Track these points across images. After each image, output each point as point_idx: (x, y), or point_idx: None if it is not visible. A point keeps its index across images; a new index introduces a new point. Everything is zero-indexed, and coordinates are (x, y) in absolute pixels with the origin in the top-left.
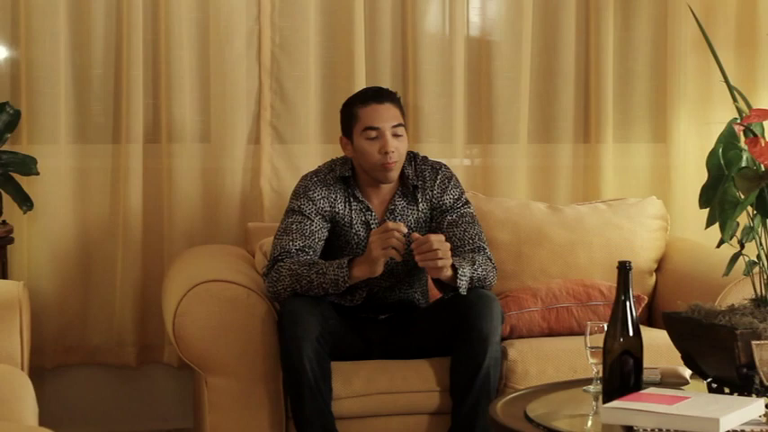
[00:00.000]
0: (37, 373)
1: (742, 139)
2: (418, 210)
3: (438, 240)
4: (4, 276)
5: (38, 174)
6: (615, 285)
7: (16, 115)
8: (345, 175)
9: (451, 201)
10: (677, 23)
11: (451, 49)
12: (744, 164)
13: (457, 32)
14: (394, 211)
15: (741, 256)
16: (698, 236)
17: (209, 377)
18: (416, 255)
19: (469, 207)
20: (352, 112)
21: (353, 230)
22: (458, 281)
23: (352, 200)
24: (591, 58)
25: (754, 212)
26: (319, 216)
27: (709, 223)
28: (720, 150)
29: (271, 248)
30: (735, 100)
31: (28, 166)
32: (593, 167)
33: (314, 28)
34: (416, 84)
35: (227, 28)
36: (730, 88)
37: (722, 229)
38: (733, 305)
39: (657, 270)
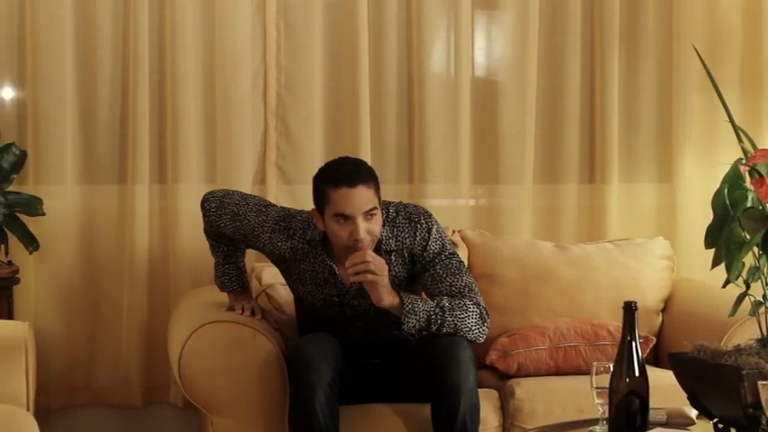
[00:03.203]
0: (43, 414)
1: (747, 179)
2: (393, 270)
3: (373, 256)
4: (10, 317)
5: (44, 214)
6: None
7: (22, 156)
8: (316, 239)
9: (432, 255)
10: (682, 63)
11: (457, 90)
12: (749, 204)
13: (462, 73)
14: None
15: (747, 297)
16: (704, 276)
17: (214, 417)
18: (349, 267)
19: (456, 257)
20: (324, 191)
21: (308, 288)
22: (403, 317)
23: (319, 261)
24: (596, 99)
25: (760, 253)
26: (266, 251)
27: (715, 263)
28: (726, 190)
29: (215, 198)
30: (740, 140)
31: (34, 206)
32: (598, 208)
33: (319, 68)
34: (421, 124)
35: (233, 68)
36: (735, 128)
37: (728, 269)
38: (739, 345)
39: (664, 310)
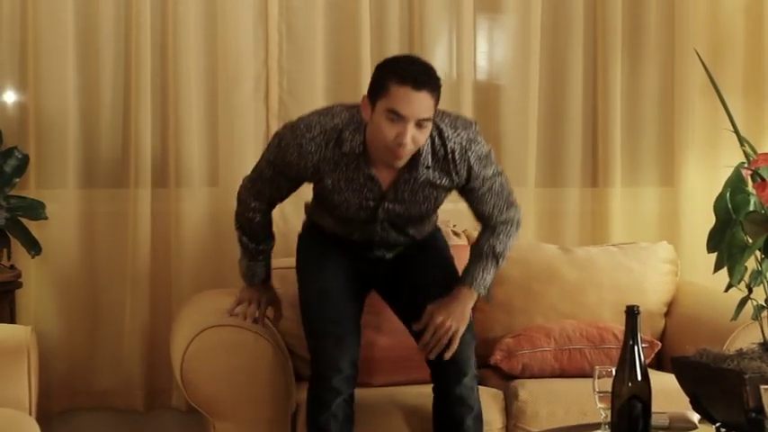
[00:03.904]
0: (45, 418)
1: (750, 183)
2: (431, 189)
3: (443, 318)
4: (13, 321)
5: (46, 218)
6: None
7: (24, 160)
8: (357, 151)
9: (478, 180)
10: (684, 68)
11: (459, 93)
12: (752, 208)
13: (464, 76)
14: (399, 184)
15: (749, 301)
16: (706, 280)
17: (216, 422)
18: (427, 346)
19: (500, 177)
20: (385, 83)
21: (343, 196)
22: (480, 293)
23: (354, 168)
24: (598, 103)
25: (762, 257)
26: (299, 176)
27: (718, 267)
28: (728, 194)
29: (246, 181)
30: (742, 144)
31: (36, 210)
32: (600, 212)
33: (321, 72)
34: None
35: (235, 72)
36: (737, 133)
37: (730, 273)
38: (741, 349)
39: (667, 314)
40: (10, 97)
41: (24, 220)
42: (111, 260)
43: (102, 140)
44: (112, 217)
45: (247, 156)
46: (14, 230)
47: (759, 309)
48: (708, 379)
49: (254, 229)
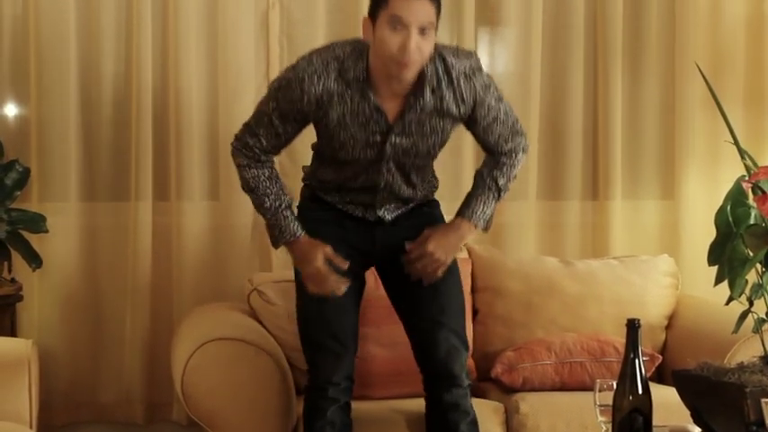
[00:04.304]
0: (45, 431)
1: (750, 196)
2: (438, 119)
3: (435, 247)
4: (13, 334)
5: (47, 231)
6: None
7: (25, 173)
8: (361, 77)
9: (483, 108)
10: (685, 80)
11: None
12: (752, 221)
13: None
14: (406, 113)
15: (750, 314)
16: (707, 293)
17: None
18: (412, 267)
19: (504, 104)
20: None
21: (349, 132)
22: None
23: (359, 99)
24: (599, 115)
25: (763, 269)
26: (302, 115)
27: (718, 280)
28: (729, 207)
29: (250, 120)
30: (743, 157)
31: (37, 223)
32: (601, 224)
33: None
34: None
35: (236, 86)
36: (738, 146)
37: (731, 286)
38: (742, 363)
39: (667, 327)
40: (11, 110)
41: (25, 233)
42: (112, 273)
43: (103, 154)
44: (113, 230)
45: None
46: (15, 243)
47: (760, 322)
48: (709, 392)
49: (271, 183)
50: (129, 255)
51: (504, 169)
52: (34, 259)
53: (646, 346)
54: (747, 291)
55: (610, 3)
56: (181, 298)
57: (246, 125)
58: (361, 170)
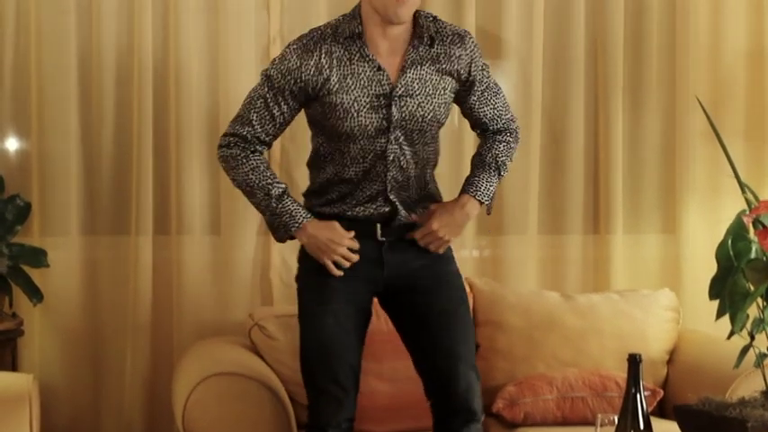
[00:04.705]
0: None
1: (751, 230)
2: (439, 76)
3: (439, 225)
4: (14, 369)
5: (48, 266)
6: None
7: (26, 207)
8: (356, 31)
9: (479, 72)
10: (686, 114)
11: (460, 140)
12: (753, 255)
13: (466, 122)
14: (407, 70)
15: (752, 348)
16: (708, 327)
17: None
18: (420, 241)
19: (491, 75)
20: None
21: (352, 95)
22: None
23: (359, 59)
24: (600, 149)
25: (764, 304)
26: (293, 93)
27: (720, 315)
28: (730, 242)
29: (238, 112)
30: (743, 191)
31: (38, 258)
32: (602, 259)
33: None
34: None
35: None
36: (739, 180)
37: (732, 320)
38: (744, 398)
39: (669, 361)
40: (12, 144)
41: (26, 268)
42: (112, 308)
43: (103, 188)
44: (114, 264)
45: (249, 204)
46: (16, 278)
47: (761, 357)
48: (710, 427)
49: (265, 174)
50: (129, 289)
51: (503, 147)
52: (35, 294)
53: (647, 380)
54: (749, 325)
55: (610, 36)
56: (181, 332)
57: (235, 118)
58: (368, 144)
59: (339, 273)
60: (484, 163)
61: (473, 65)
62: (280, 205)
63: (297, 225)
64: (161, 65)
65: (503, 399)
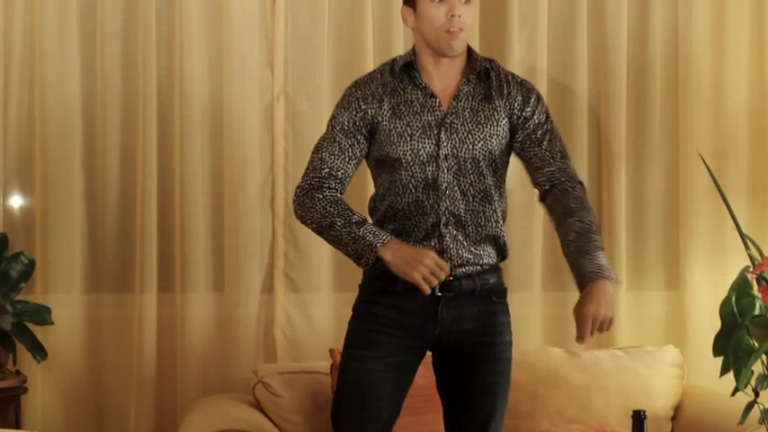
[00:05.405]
0: None
1: (755, 286)
2: (491, 109)
3: (597, 309)
4: (18, 426)
5: (52, 323)
6: None
7: (30, 265)
8: (409, 60)
9: (538, 115)
10: (689, 170)
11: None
12: (757, 312)
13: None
14: (458, 99)
15: (756, 405)
16: (713, 383)
17: None
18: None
19: (552, 121)
20: None
21: (405, 120)
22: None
23: (411, 88)
24: (603, 206)
25: None
26: (356, 125)
27: (724, 371)
28: (733, 298)
29: (310, 159)
30: (747, 248)
31: (42, 315)
32: None
33: None
34: None
35: (241, 177)
36: (742, 236)
37: (737, 377)
38: None
39: (673, 418)
40: (16, 201)
41: (30, 325)
42: (116, 365)
43: (107, 245)
44: (118, 322)
45: (253, 261)
46: (21, 335)
47: (766, 413)
48: None
49: (344, 206)
50: (133, 346)
51: (578, 205)
52: (39, 351)
53: None
54: (753, 381)
55: (613, 91)
56: (185, 389)
57: (305, 171)
58: (419, 171)
59: (428, 290)
60: (587, 236)
61: (528, 103)
62: (362, 229)
63: (382, 241)
64: (166, 124)
65: None
